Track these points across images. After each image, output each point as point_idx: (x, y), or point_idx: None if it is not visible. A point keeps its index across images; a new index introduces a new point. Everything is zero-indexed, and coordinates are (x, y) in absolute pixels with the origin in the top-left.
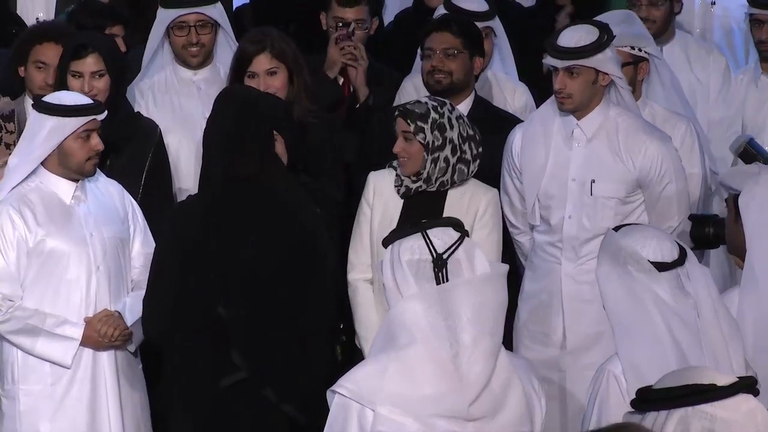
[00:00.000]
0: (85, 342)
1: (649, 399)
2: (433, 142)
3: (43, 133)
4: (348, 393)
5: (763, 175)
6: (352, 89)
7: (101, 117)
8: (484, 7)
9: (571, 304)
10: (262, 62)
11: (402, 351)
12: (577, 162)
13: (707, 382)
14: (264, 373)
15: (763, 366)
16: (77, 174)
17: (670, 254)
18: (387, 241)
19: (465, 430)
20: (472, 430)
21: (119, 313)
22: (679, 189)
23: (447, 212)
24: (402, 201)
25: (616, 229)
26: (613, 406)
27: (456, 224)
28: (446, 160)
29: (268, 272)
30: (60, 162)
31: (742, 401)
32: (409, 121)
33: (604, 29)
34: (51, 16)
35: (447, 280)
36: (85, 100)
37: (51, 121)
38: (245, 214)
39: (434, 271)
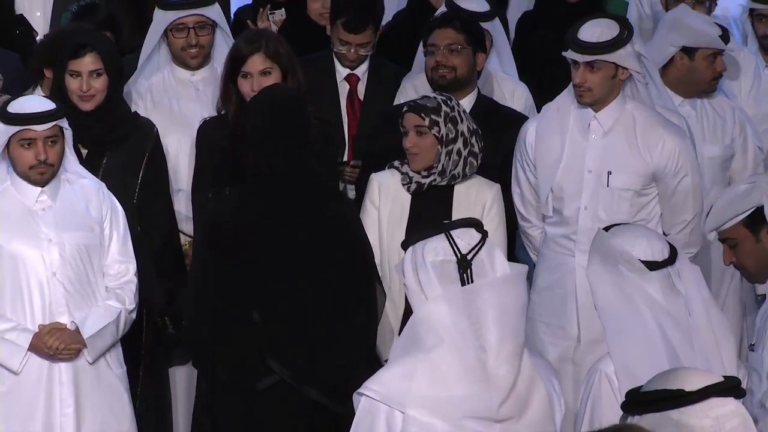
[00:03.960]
0: (34, 351)
1: (628, 402)
2: (447, 134)
3: None
4: (376, 395)
5: (760, 181)
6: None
7: (40, 128)
8: (484, 7)
9: (586, 296)
10: (256, 62)
11: (429, 353)
12: (593, 154)
13: (679, 387)
14: (302, 376)
15: None
16: (27, 180)
17: (660, 253)
18: (407, 243)
19: (493, 431)
20: (499, 430)
21: (76, 324)
22: (695, 183)
23: (456, 207)
24: (409, 199)
25: (607, 229)
26: (605, 405)
27: (477, 224)
28: (459, 152)
29: (306, 273)
30: (13, 168)
31: (714, 406)
32: (423, 115)
33: (624, 24)
34: (49, 14)
35: (471, 281)
36: (31, 109)
37: (0, 126)
38: (282, 212)
39: (459, 272)
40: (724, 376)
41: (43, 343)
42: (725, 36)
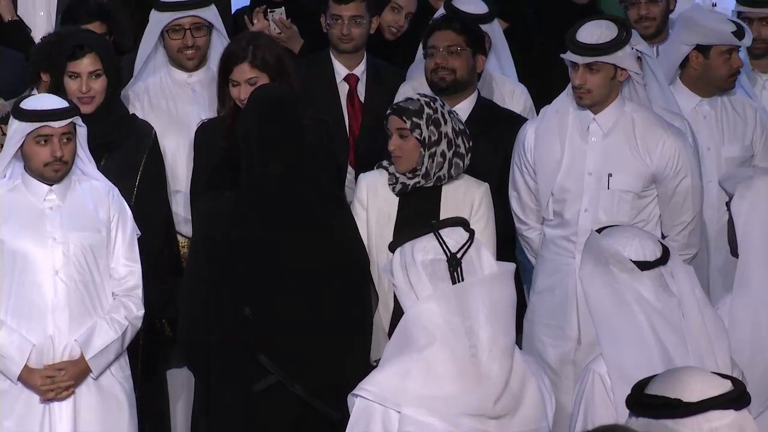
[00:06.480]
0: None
1: (631, 398)
2: (430, 137)
3: (10, 134)
4: (371, 396)
5: (756, 179)
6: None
7: (57, 125)
8: (483, 9)
9: None
10: (243, 72)
11: (423, 352)
12: (594, 156)
13: (678, 395)
14: (292, 372)
15: (761, 368)
16: (39, 178)
17: (652, 253)
18: (395, 244)
19: (488, 428)
20: (494, 427)
21: (81, 351)
22: (694, 184)
23: (443, 207)
24: (397, 199)
25: (599, 230)
26: (598, 406)
27: (464, 223)
28: (443, 154)
29: (302, 274)
30: (26, 165)
31: (711, 419)
32: (404, 117)
33: (623, 25)
34: (53, 14)
35: (462, 279)
36: (48, 106)
37: (15, 124)
38: (276, 213)
39: (449, 270)
40: (732, 382)
41: (34, 384)
42: (740, 32)
